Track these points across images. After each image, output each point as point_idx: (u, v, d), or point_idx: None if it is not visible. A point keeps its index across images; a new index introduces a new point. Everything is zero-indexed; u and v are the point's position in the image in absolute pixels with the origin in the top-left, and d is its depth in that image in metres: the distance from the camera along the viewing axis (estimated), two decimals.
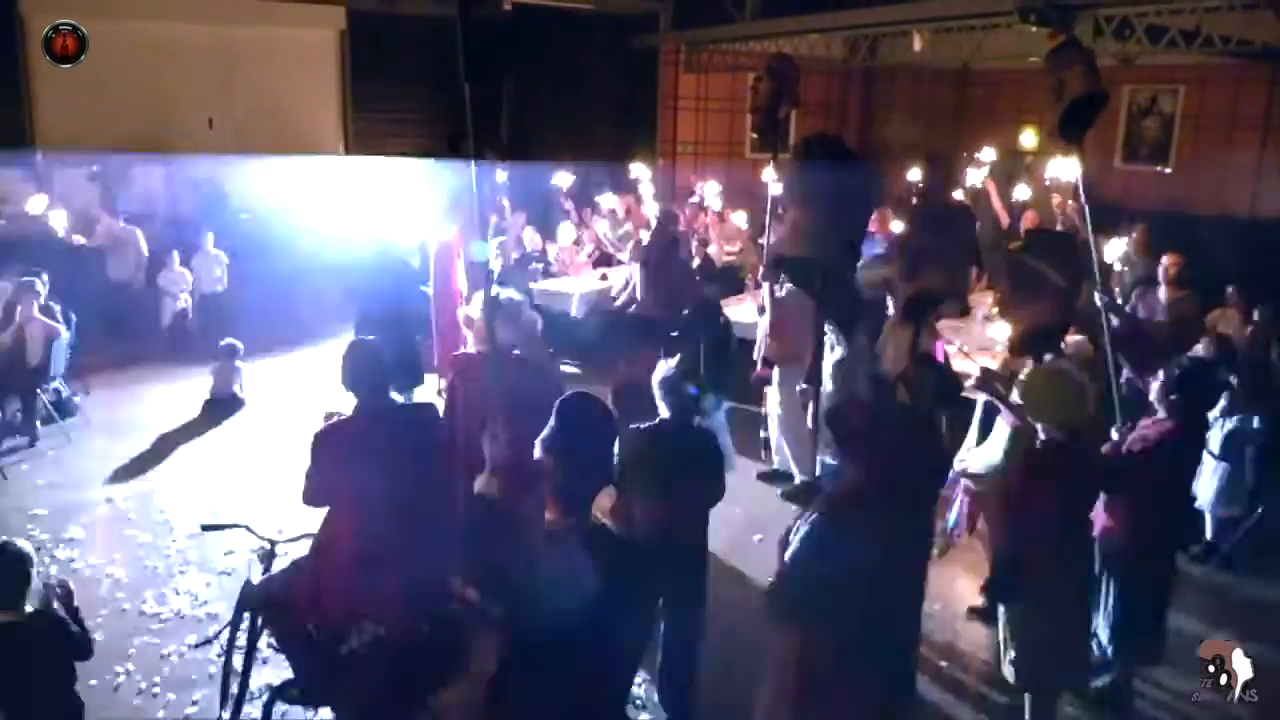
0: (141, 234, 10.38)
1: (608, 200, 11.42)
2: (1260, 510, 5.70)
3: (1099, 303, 4.55)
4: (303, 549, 3.82)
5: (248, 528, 4.16)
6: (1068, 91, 4.39)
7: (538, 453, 2.41)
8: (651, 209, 11.53)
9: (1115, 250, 7.75)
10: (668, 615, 3.94)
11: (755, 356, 6.77)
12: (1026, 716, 3.93)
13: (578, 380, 7.48)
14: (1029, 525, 3.71)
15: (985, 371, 4.98)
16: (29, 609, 3.13)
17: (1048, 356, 4.56)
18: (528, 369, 4.30)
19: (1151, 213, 10.35)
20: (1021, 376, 4.42)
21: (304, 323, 10.00)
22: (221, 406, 7.87)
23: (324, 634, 3.57)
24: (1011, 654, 3.91)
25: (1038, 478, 3.72)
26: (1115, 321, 4.61)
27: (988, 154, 10.41)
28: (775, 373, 6.51)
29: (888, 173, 13.62)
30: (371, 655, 3.46)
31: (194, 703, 4.18)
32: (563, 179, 11.02)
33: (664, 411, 3.96)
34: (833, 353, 5.61)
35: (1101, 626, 4.11)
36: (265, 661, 4.19)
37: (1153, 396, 4.09)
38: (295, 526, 4.22)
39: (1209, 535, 5.80)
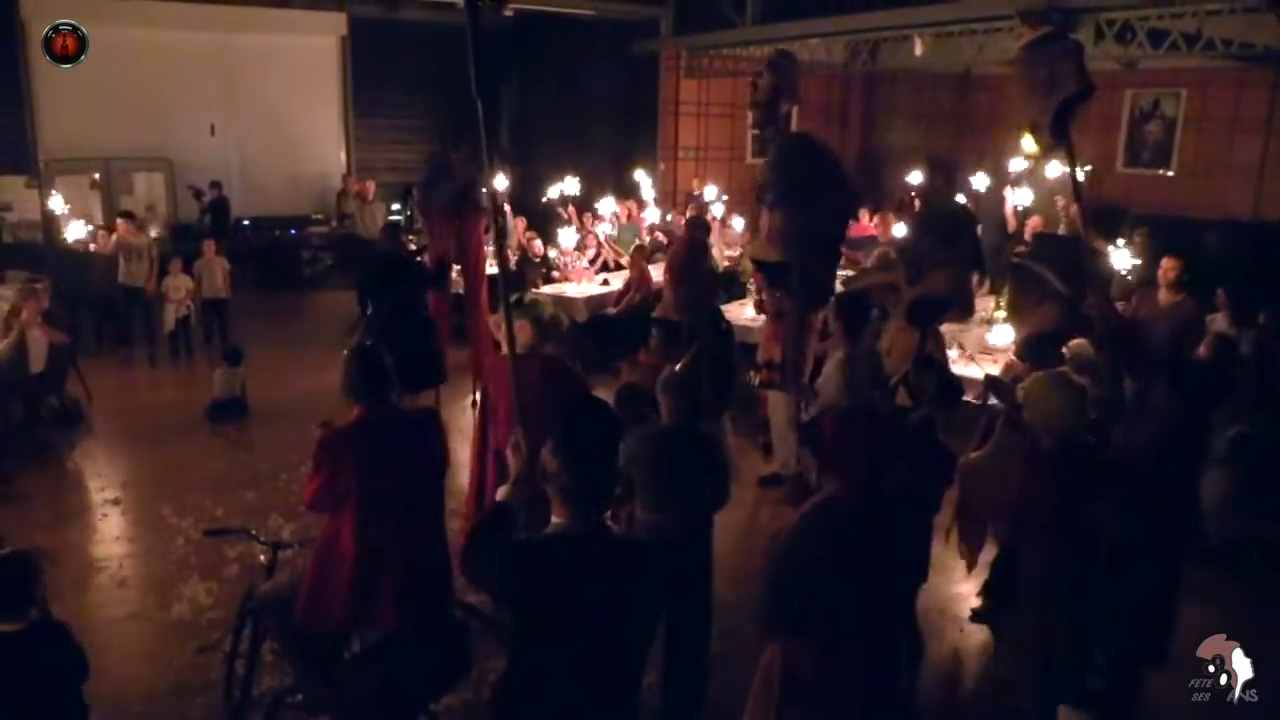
0: (153, 239, 10.40)
1: (609, 205, 11.45)
2: (1261, 511, 5.68)
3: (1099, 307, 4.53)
4: (305, 554, 3.82)
5: (250, 533, 4.19)
6: (1060, 87, 4.19)
7: (544, 456, 2.42)
8: (653, 214, 11.59)
9: (1123, 259, 7.78)
10: (671, 619, 3.93)
11: (757, 360, 6.77)
12: None
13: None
14: (1028, 528, 3.71)
15: (990, 379, 4.97)
16: (34, 615, 3.12)
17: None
18: (560, 370, 4.37)
19: (1154, 217, 10.37)
20: (1024, 383, 4.41)
21: (307, 328, 10.01)
22: (225, 411, 7.88)
23: (327, 640, 3.58)
24: (1013, 656, 3.89)
25: (1037, 482, 3.71)
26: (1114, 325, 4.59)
27: (1018, 164, 10.29)
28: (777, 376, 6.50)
29: (889, 177, 13.69)
30: (374, 661, 3.47)
31: (197, 708, 4.17)
32: (564, 184, 11.04)
33: (667, 415, 3.96)
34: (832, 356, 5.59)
35: (1104, 628, 4.10)
36: (268, 667, 4.18)
37: (1153, 398, 4.09)
38: (298, 532, 4.22)
39: (1211, 536, 5.79)
